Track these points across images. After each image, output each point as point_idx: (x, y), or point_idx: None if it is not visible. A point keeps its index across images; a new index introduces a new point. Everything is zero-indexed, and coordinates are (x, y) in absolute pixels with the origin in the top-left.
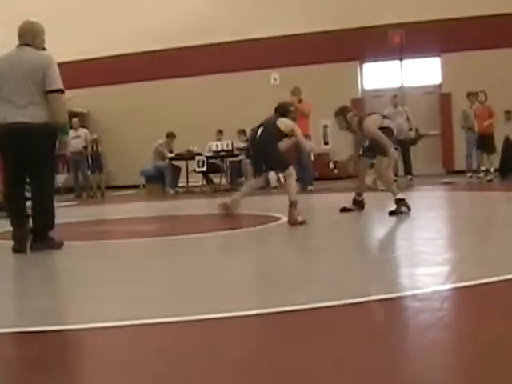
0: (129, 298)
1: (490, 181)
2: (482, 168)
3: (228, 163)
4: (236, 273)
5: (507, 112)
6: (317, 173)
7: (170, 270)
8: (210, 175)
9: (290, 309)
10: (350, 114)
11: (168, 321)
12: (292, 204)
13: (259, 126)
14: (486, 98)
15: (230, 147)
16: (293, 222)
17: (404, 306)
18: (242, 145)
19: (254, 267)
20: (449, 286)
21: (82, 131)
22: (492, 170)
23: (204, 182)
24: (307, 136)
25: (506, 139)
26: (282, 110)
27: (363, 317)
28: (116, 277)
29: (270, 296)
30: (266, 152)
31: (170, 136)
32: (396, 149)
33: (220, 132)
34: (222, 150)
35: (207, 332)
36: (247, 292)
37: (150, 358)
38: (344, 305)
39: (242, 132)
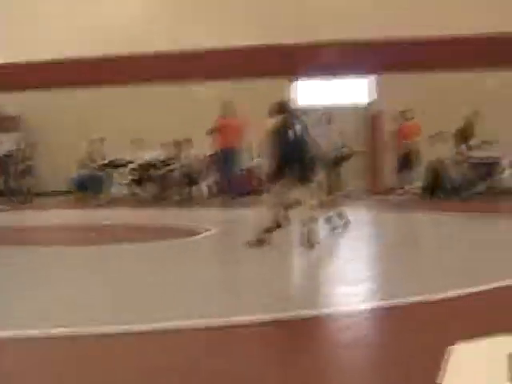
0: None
1: (412, 200)
2: (406, 187)
3: (159, 173)
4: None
5: (437, 133)
6: (246, 186)
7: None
8: (140, 185)
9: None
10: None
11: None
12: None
13: (285, 127)
14: (412, 116)
15: (162, 157)
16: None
17: (325, 324)
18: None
19: (167, 279)
20: (371, 304)
21: (13, 135)
22: (418, 188)
23: (134, 191)
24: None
25: (436, 160)
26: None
27: (282, 334)
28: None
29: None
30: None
31: (98, 141)
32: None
33: (140, 141)
34: (153, 160)
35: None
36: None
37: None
38: (265, 322)
39: (180, 143)
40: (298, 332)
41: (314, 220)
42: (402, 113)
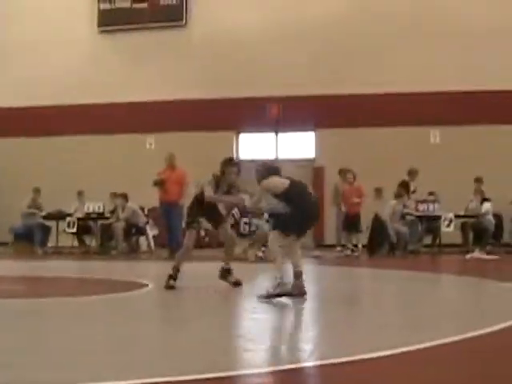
0: None
1: (357, 257)
2: (349, 245)
3: (99, 225)
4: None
5: (377, 189)
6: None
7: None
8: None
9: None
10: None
11: None
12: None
13: (293, 184)
14: (354, 178)
15: (102, 209)
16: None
17: (260, 383)
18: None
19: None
20: (309, 363)
21: None
22: (360, 246)
23: (74, 243)
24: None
25: (375, 216)
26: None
27: None
28: None
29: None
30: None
31: (36, 191)
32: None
33: (81, 193)
34: (94, 212)
35: None
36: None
37: None
38: (200, 379)
39: (120, 195)
40: None
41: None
42: (342, 172)
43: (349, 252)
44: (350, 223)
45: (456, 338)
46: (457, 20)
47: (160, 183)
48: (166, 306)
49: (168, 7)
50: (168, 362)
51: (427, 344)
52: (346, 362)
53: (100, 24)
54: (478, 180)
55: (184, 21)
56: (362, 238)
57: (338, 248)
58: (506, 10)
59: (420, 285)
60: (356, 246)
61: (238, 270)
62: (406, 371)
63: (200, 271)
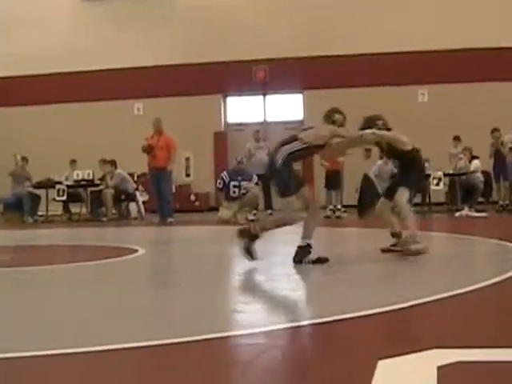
0: None
1: (338, 217)
2: (330, 206)
3: (89, 193)
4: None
5: (366, 149)
6: (177, 204)
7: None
8: (71, 204)
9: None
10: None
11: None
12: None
13: None
14: None
15: (91, 177)
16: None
17: (250, 343)
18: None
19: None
20: (298, 323)
21: None
22: (339, 206)
23: (66, 211)
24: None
25: (364, 176)
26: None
27: (200, 355)
28: None
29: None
30: None
31: (22, 160)
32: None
33: (73, 161)
34: (83, 180)
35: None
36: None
37: None
38: (191, 341)
39: (109, 162)
40: (214, 353)
41: None
42: None
43: (329, 213)
44: (330, 180)
45: (446, 295)
46: None
47: (148, 149)
48: (158, 271)
49: None
50: (161, 325)
51: (420, 300)
52: (339, 320)
53: None
54: (457, 138)
55: None
56: (351, 199)
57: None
58: None
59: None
60: (335, 206)
61: (228, 233)
62: (402, 327)
63: (191, 235)
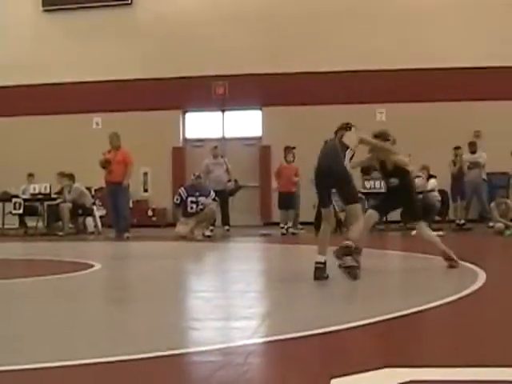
0: None
1: (293, 234)
2: (282, 224)
3: (46, 206)
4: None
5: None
6: (135, 219)
7: None
8: (27, 218)
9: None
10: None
11: None
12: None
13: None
14: (294, 157)
15: (49, 190)
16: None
17: (206, 360)
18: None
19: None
20: (254, 340)
21: None
22: (290, 224)
23: (23, 224)
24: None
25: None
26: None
27: (155, 372)
28: None
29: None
30: None
31: None
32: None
33: (31, 175)
34: (40, 193)
35: None
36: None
37: None
38: (146, 358)
39: (67, 176)
40: (169, 370)
41: None
42: (286, 150)
43: (284, 231)
44: (284, 202)
45: (399, 314)
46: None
47: (104, 164)
48: (113, 287)
49: None
50: (116, 341)
51: (373, 319)
52: (293, 338)
53: (44, 3)
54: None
55: (129, 0)
56: (309, 216)
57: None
58: None
59: (364, 261)
60: (286, 224)
61: (184, 249)
62: (358, 344)
63: (147, 251)
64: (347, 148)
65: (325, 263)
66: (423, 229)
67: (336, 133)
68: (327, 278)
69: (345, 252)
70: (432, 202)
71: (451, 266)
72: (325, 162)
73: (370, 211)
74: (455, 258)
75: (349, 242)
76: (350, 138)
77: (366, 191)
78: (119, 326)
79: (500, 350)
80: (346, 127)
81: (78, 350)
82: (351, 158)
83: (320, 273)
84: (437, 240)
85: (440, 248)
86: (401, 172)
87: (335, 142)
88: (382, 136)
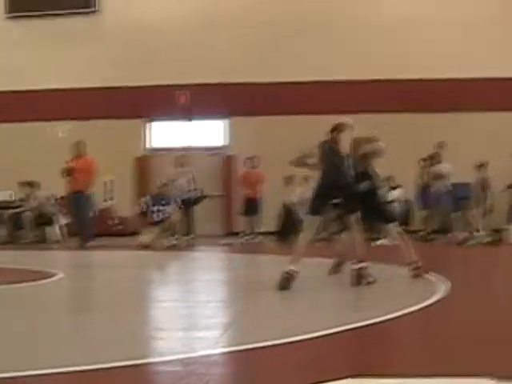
0: None
1: (255, 242)
2: (246, 231)
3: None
4: None
5: (287, 177)
6: (98, 228)
7: None
8: None
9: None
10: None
11: None
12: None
13: (330, 156)
14: (257, 164)
15: (12, 198)
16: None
17: (169, 370)
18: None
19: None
20: (216, 350)
21: None
22: (257, 232)
23: None
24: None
25: (284, 205)
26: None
27: (117, 382)
28: None
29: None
30: None
31: None
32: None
33: None
34: (3, 201)
35: None
36: None
37: None
38: (108, 368)
39: (30, 184)
40: (132, 380)
41: None
42: (249, 159)
43: (244, 240)
44: (249, 207)
45: (362, 324)
46: (363, 11)
47: (67, 172)
48: (75, 296)
49: None
50: (78, 351)
51: (336, 329)
52: (255, 348)
53: (8, 10)
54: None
55: (96, 7)
56: (271, 226)
57: (243, 235)
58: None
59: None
60: (251, 233)
61: (149, 258)
62: (324, 355)
63: (110, 259)
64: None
65: (293, 273)
66: (394, 230)
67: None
68: (289, 288)
69: (361, 278)
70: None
71: (415, 276)
72: (334, 174)
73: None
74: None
75: (358, 266)
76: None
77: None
78: (81, 335)
79: (462, 359)
80: (340, 128)
81: (38, 359)
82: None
83: (286, 282)
84: (407, 244)
85: (409, 252)
86: (368, 176)
87: (338, 149)
88: (336, 128)
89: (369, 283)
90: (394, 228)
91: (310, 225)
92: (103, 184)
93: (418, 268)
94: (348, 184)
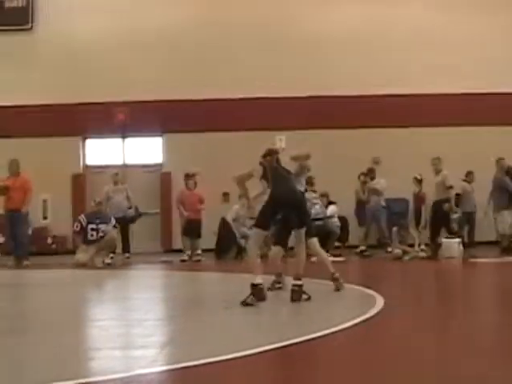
0: None
1: (197, 261)
2: (187, 251)
3: None
4: None
5: (225, 194)
6: (34, 247)
7: None
8: None
9: None
10: None
11: None
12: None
13: (277, 175)
14: (195, 184)
15: None
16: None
17: None
18: None
19: None
20: (153, 369)
21: None
22: (199, 251)
23: None
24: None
25: (222, 220)
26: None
27: None
28: None
29: None
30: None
31: None
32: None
33: None
34: None
35: None
36: None
37: None
38: None
39: None
40: None
41: None
42: (187, 177)
43: (186, 257)
44: (191, 229)
45: (296, 340)
46: (307, 28)
47: (2, 191)
48: (9, 316)
49: (14, 10)
50: (9, 373)
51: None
52: (192, 366)
53: None
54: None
55: (30, 24)
56: (209, 243)
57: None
58: (359, 16)
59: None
60: (193, 251)
61: (84, 277)
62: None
63: (46, 279)
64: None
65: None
66: (316, 245)
67: (266, 158)
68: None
69: (300, 295)
70: (332, 229)
71: (337, 289)
72: (285, 191)
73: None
74: (341, 280)
75: (298, 282)
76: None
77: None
78: (15, 356)
79: (390, 378)
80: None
81: None
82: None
83: (261, 294)
84: (326, 258)
85: (328, 267)
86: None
87: (284, 168)
88: (270, 154)
89: (308, 299)
90: (316, 243)
91: (258, 238)
92: (40, 202)
93: (337, 280)
94: (300, 201)
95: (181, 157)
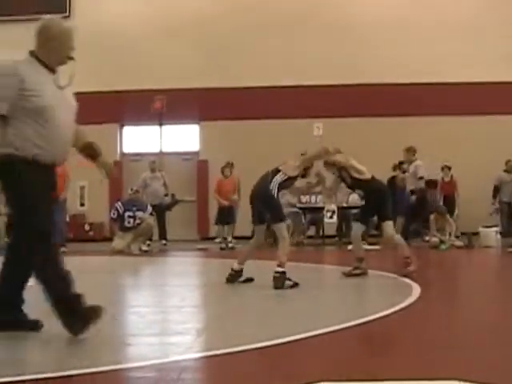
0: None
1: (231, 248)
2: (221, 238)
3: None
4: None
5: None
6: (71, 234)
7: None
8: None
9: None
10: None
11: None
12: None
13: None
14: (231, 171)
15: None
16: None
17: (140, 376)
18: None
19: None
20: (189, 356)
21: None
22: (230, 238)
23: None
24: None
25: None
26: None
27: None
28: None
29: None
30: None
31: None
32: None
33: None
34: None
35: None
36: None
37: None
38: (80, 374)
39: None
40: None
41: None
42: (223, 168)
43: (223, 245)
44: (224, 216)
45: (333, 328)
46: (344, 12)
47: None
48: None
49: None
50: (47, 357)
51: (307, 334)
52: (228, 354)
53: None
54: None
55: (68, 12)
56: (245, 230)
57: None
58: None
59: (302, 275)
60: (225, 238)
61: (121, 264)
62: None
63: (83, 265)
64: (278, 171)
65: (239, 271)
66: (391, 227)
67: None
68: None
69: (282, 282)
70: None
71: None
72: (255, 187)
73: (355, 224)
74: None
75: (279, 269)
76: (286, 165)
77: (303, 206)
78: (53, 341)
79: (430, 363)
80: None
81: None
82: (287, 180)
83: (234, 278)
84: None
85: (404, 250)
86: (361, 183)
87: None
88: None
89: (294, 286)
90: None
91: (256, 231)
92: (78, 189)
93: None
94: (264, 194)
95: (217, 145)
